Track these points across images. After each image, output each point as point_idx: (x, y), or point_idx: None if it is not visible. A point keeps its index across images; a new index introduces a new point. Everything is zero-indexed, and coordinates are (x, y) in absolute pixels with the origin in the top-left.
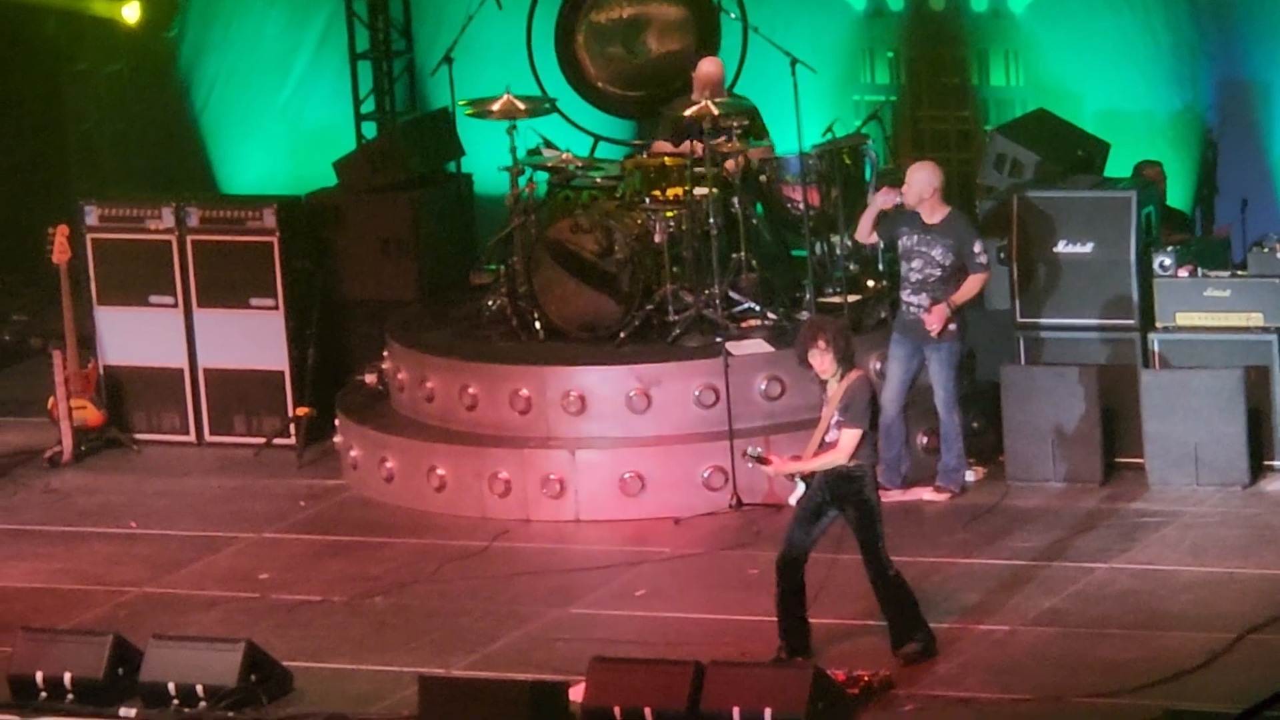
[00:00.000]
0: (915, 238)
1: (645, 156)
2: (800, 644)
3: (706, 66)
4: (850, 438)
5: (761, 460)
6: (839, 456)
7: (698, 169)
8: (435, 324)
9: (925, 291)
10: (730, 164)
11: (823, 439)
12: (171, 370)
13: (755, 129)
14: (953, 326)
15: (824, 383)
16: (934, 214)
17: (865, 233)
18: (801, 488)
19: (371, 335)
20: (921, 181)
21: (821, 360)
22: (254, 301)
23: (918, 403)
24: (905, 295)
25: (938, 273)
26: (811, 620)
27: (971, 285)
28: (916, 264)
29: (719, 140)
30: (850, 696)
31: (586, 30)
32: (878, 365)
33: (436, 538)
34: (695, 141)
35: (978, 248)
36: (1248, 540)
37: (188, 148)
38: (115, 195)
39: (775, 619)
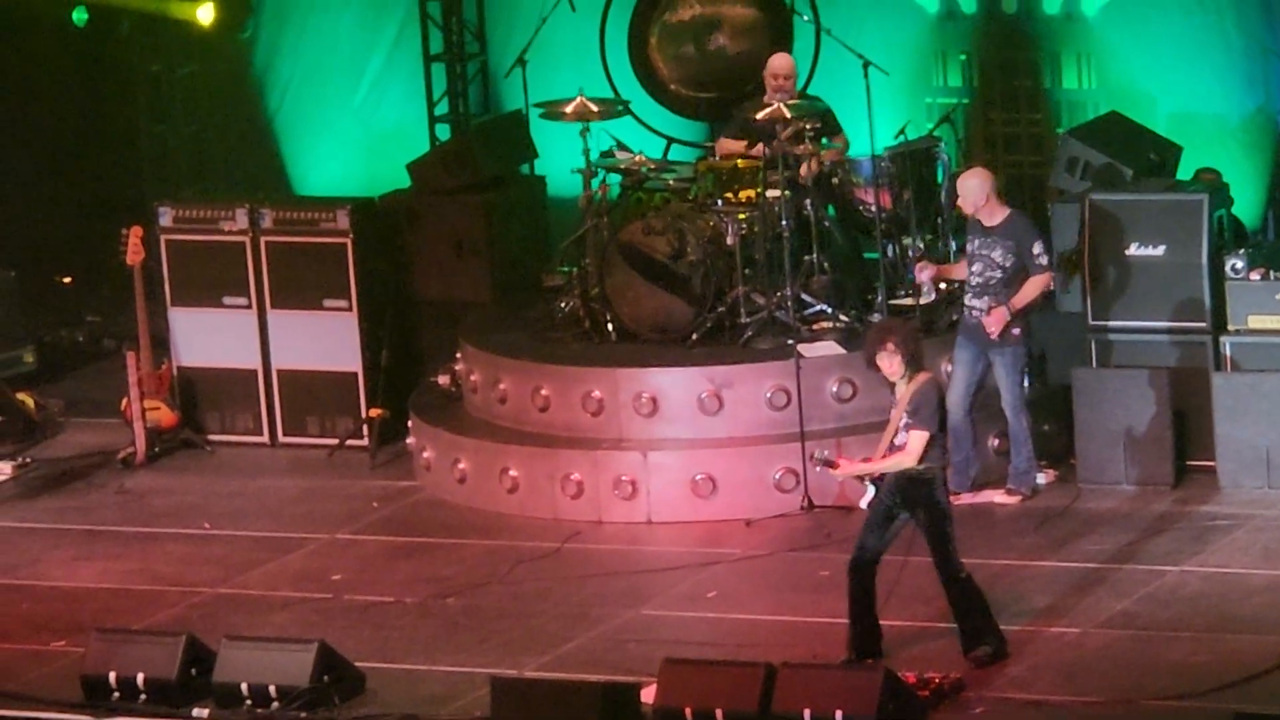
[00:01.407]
0: (977, 241)
1: (717, 159)
2: (871, 646)
3: (777, 61)
4: (918, 440)
5: (829, 464)
6: (907, 459)
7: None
8: (508, 326)
9: (987, 294)
10: (804, 167)
11: (891, 441)
12: (245, 371)
13: (828, 130)
14: (1016, 330)
15: (892, 385)
16: (993, 216)
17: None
18: (872, 490)
19: (444, 337)
20: (973, 189)
21: (890, 363)
22: (327, 303)
23: (988, 405)
24: (968, 299)
25: (998, 275)
26: (882, 622)
27: (1032, 287)
28: (977, 267)
29: (787, 134)
30: (921, 698)
31: (659, 32)
32: (948, 368)
33: (509, 539)
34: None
35: (1038, 248)
36: None
37: (262, 149)
38: (189, 197)
39: (846, 621)
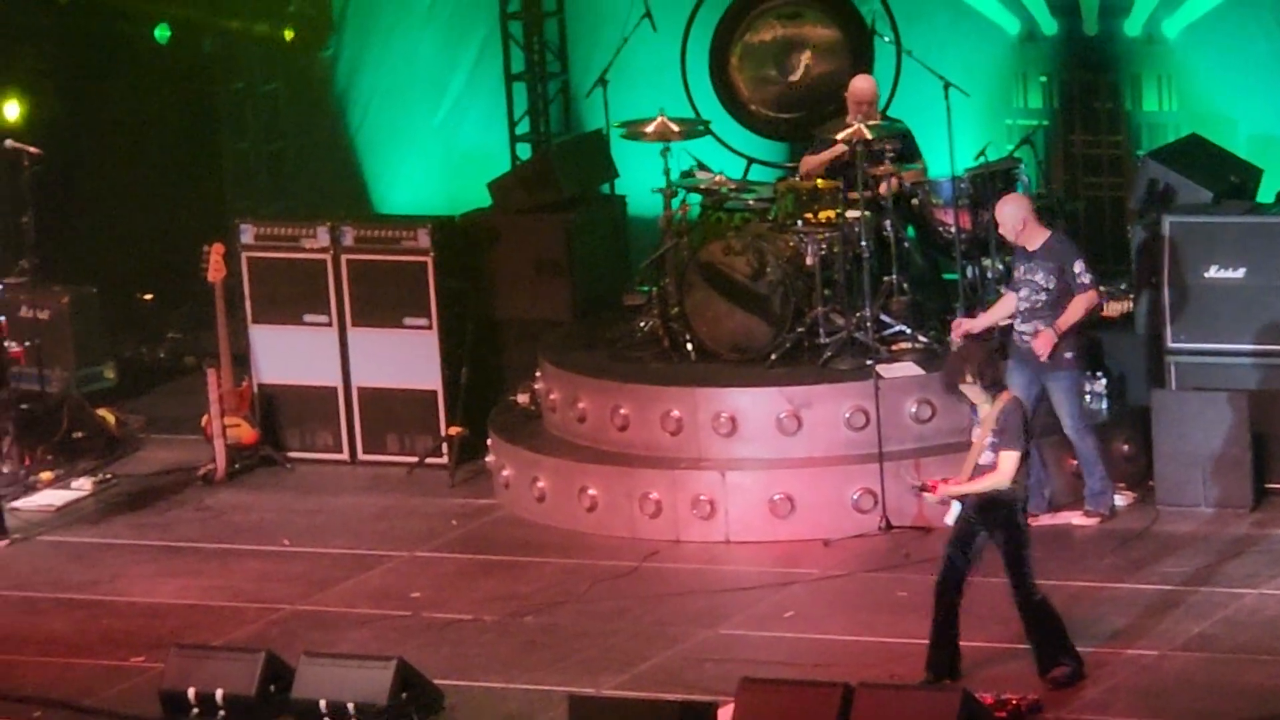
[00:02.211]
0: (1022, 267)
1: (797, 179)
2: (951, 667)
3: (860, 83)
4: (1009, 460)
5: (924, 489)
6: (1000, 479)
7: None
8: (588, 345)
9: (1035, 319)
10: (883, 187)
11: (976, 463)
12: (325, 389)
13: (908, 152)
14: (1069, 354)
15: (974, 406)
16: (1034, 240)
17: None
18: (957, 507)
19: (524, 355)
20: (1010, 215)
21: (970, 391)
22: (408, 321)
23: (1059, 428)
24: (1017, 324)
25: (1043, 298)
26: (960, 644)
27: (1077, 306)
28: (1024, 292)
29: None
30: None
31: (740, 52)
32: None
33: (587, 557)
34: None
35: (1079, 267)
36: None
37: (343, 167)
38: (271, 214)
39: (924, 642)
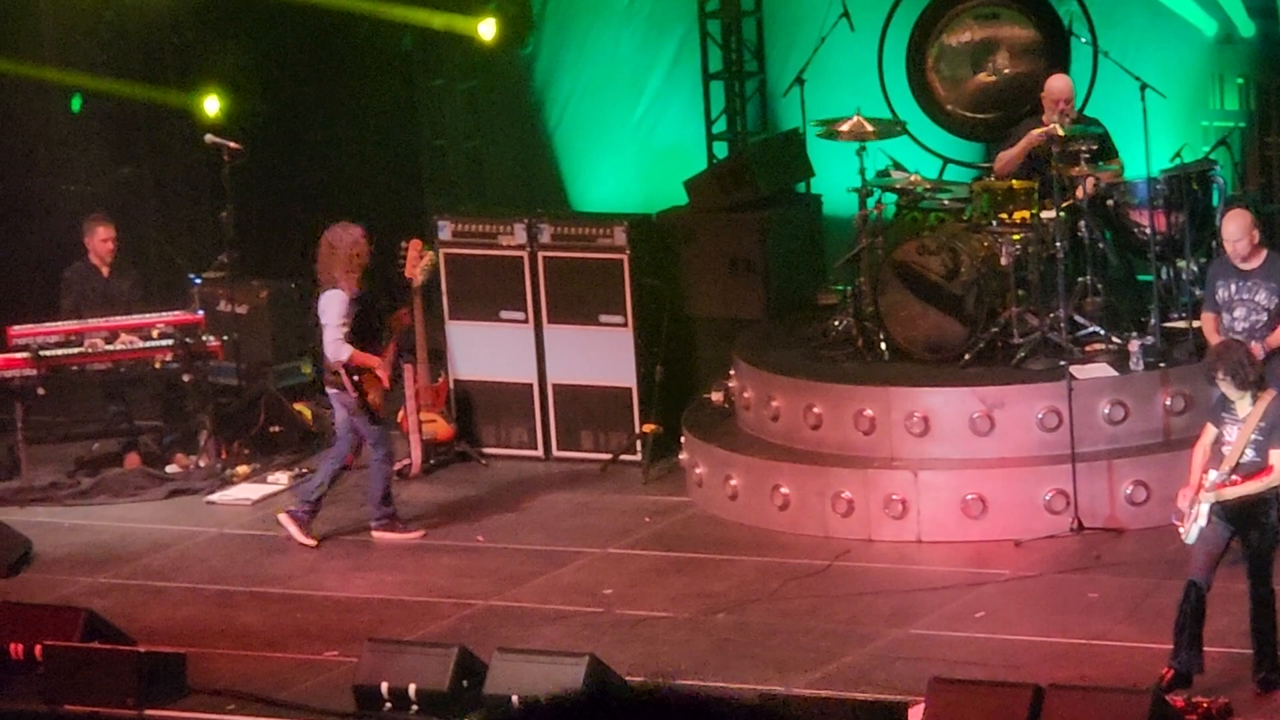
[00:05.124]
0: (1234, 286)
1: (992, 178)
2: (1197, 666)
3: (1056, 82)
4: None
5: (1182, 516)
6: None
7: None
8: (782, 343)
9: (1254, 339)
10: (1079, 190)
11: (1238, 460)
12: (521, 385)
13: (1104, 153)
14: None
15: (1228, 401)
16: (1252, 259)
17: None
18: (1197, 528)
19: (718, 353)
20: (1238, 231)
21: (1225, 388)
22: (603, 318)
23: None
24: None
25: (1264, 318)
26: (1148, 645)
27: None
28: (1240, 312)
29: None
30: None
31: (937, 52)
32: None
33: (779, 556)
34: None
35: None
36: None
37: (541, 164)
38: (468, 211)
39: (1121, 643)
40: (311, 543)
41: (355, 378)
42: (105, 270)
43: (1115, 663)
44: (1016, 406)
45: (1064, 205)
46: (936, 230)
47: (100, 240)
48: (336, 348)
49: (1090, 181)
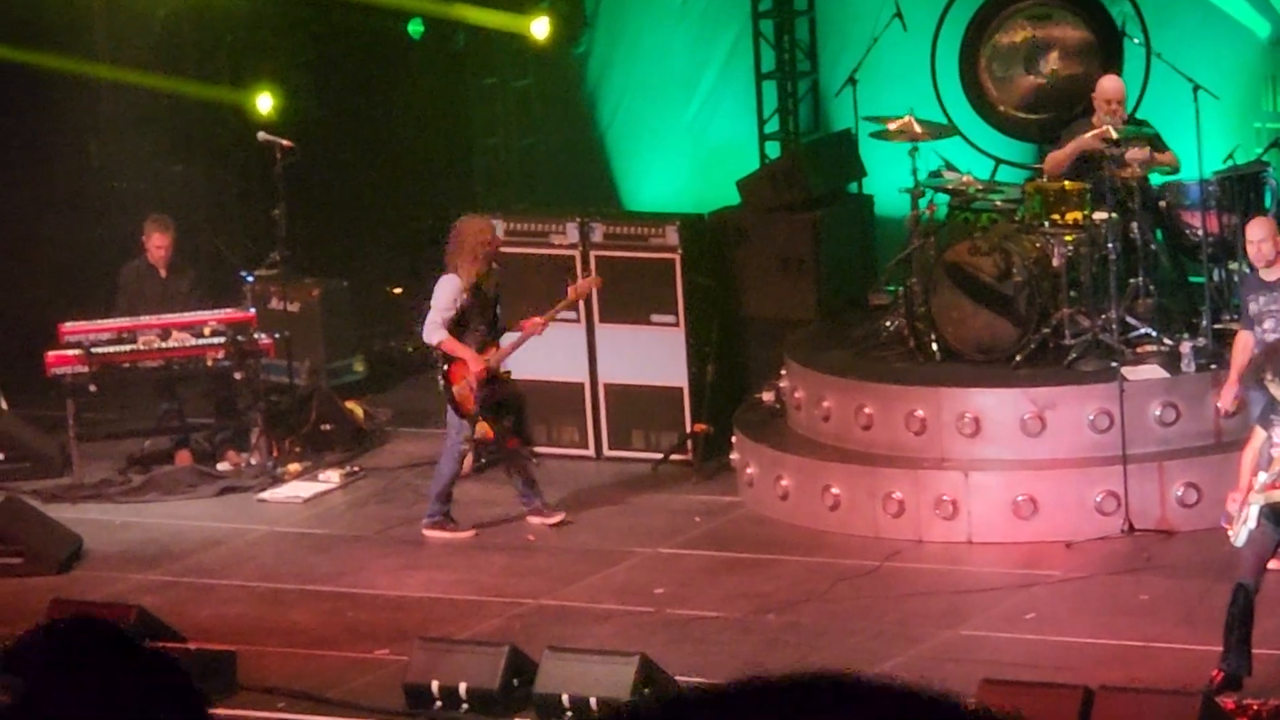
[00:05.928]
0: (1261, 299)
1: (1044, 179)
2: (1245, 668)
3: (1108, 83)
4: None
5: (1231, 519)
6: None
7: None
8: (833, 344)
9: None
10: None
11: None
12: (572, 384)
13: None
14: None
15: (1277, 403)
16: (1276, 267)
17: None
18: (1252, 524)
19: (770, 354)
20: (1263, 232)
21: (1275, 390)
22: (655, 318)
23: None
24: None
25: None
26: (1198, 647)
27: None
28: (1269, 324)
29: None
30: None
31: (990, 53)
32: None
33: (829, 556)
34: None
35: None
36: None
37: (593, 163)
38: (520, 209)
39: (1172, 645)
40: (467, 535)
41: (445, 366)
42: (163, 271)
43: (1165, 665)
44: (1068, 407)
45: (1116, 207)
46: (989, 231)
47: (155, 246)
48: (431, 330)
49: (1140, 160)
